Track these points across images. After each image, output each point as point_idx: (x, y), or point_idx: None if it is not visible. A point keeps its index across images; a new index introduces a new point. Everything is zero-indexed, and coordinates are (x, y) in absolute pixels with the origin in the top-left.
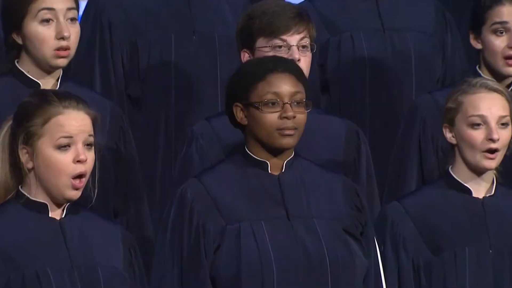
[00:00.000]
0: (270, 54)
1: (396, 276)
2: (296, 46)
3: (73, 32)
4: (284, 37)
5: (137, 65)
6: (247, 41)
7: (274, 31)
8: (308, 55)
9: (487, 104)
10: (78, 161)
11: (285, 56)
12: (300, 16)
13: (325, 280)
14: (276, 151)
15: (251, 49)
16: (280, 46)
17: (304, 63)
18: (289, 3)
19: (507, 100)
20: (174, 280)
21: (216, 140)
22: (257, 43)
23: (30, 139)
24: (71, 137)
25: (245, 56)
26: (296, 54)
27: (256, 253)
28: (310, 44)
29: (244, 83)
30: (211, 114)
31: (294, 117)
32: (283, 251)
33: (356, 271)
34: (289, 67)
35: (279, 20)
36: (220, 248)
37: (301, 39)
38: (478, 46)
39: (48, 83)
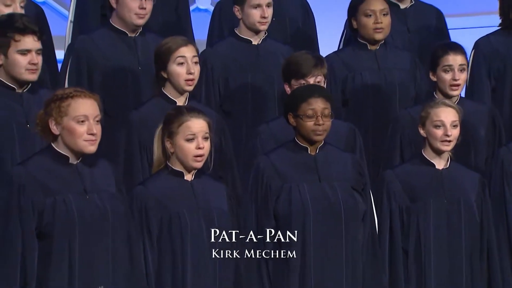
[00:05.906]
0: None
1: (388, 216)
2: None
3: (196, 70)
4: (306, 79)
5: (228, 91)
6: (287, 78)
7: (303, 75)
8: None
9: (445, 114)
10: (199, 148)
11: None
12: (316, 65)
13: (340, 219)
14: (312, 142)
15: (289, 84)
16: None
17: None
18: (316, 55)
19: (457, 112)
20: (253, 216)
21: (271, 136)
22: (292, 82)
23: (171, 135)
24: (194, 134)
25: (286, 87)
26: None
27: (300, 202)
28: (324, 81)
29: (294, 102)
30: (270, 119)
31: (323, 124)
32: (316, 201)
33: (358, 212)
34: (322, 93)
35: (304, 68)
36: (279, 198)
37: (318, 77)
38: (434, 79)
39: (180, 101)
